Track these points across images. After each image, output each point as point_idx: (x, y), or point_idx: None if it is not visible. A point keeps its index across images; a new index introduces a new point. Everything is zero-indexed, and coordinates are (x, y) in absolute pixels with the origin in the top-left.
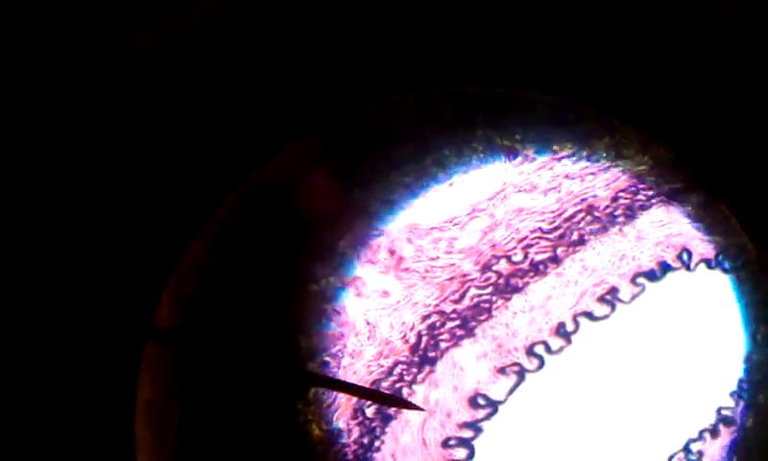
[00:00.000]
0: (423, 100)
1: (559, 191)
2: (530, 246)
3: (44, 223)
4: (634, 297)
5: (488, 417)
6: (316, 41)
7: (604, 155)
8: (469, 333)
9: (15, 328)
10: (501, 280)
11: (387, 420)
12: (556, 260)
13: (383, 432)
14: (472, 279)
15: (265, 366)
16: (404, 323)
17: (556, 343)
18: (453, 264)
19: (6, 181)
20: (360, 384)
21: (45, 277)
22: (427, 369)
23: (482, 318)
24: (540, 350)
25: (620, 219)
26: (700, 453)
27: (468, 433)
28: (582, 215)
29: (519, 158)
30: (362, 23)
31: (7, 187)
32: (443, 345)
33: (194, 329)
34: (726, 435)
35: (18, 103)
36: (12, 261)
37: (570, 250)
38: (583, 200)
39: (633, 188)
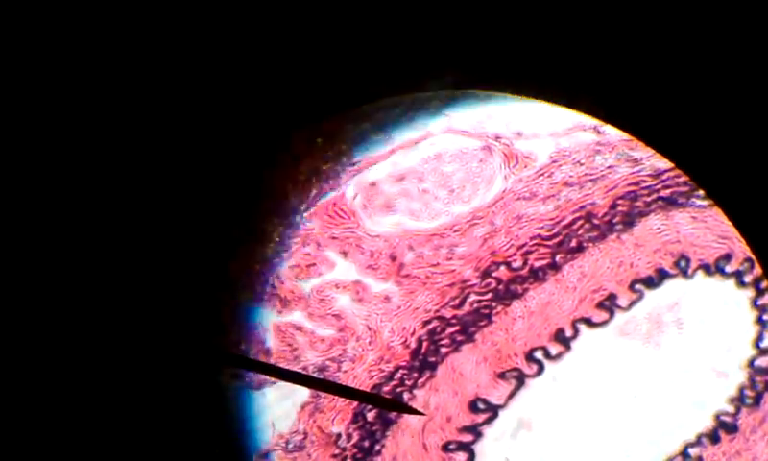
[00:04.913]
0: (424, 103)
1: (558, 199)
2: (529, 252)
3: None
4: (632, 303)
5: (487, 421)
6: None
7: (602, 162)
8: (469, 339)
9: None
10: (501, 286)
11: (387, 424)
12: (555, 267)
13: (384, 436)
14: (472, 285)
15: (266, 369)
16: (405, 328)
17: (555, 348)
18: (453, 270)
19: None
20: (361, 389)
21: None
22: (428, 374)
23: (482, 323)
24: (539, 355)
25: (618, 226)
26: (699, 459)
27: (467, 437)
28: (580, 222)
29: (519, 166)
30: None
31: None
32: (443, 350)
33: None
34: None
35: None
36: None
37: (569, 256)
38: (581, 207)
39: (631, 195)
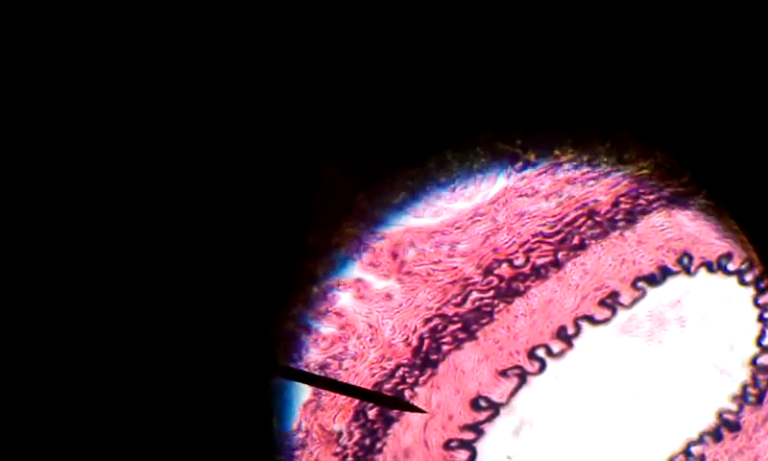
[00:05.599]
0: (426, 104)
1: (560, 196)
2: (531, 250)
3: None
4: (634, 301)
5: (489, 419)
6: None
7: (605, 159)
8: (471, 336)
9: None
10: (503, 284)
11: (389, 422)
12: (557, 264)
13: (385, 434)
14: (474, 283)
15: (265, 367)
16: (406, 326)
17: (557, 346)
18: (455, 268)
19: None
20: (362, 386)
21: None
22: (429, 371)
23: (484, 321)
24: (541, 353)
25: (621, 223)
26: (702, 457)
27: (469, 435)
28: (583, 220)
29: (521, 163)
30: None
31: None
32: (444, 347)
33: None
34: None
35: None
36: None
37: (571, 254)
38: (584, 204)
39: (633, 193)
